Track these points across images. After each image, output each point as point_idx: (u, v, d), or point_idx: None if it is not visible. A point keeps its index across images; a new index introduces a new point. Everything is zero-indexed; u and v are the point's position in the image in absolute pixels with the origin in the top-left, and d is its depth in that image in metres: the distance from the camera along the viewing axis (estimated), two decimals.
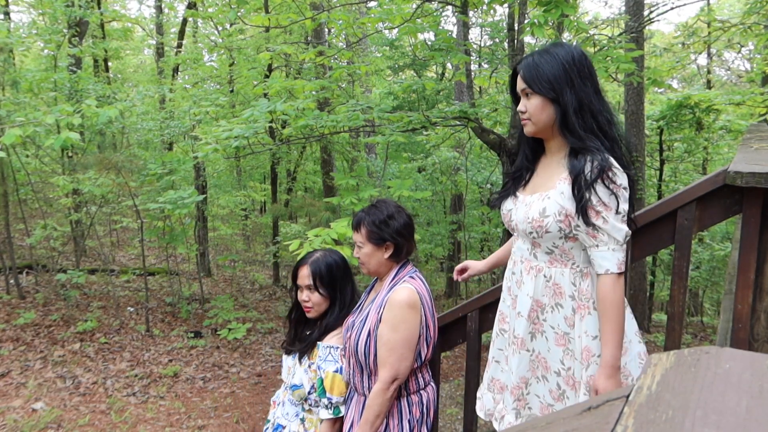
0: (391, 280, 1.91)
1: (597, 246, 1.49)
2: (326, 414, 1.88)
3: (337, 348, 1.92)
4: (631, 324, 1.63)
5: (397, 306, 1.80)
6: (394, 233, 1.88)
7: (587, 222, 1.47)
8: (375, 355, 1.82)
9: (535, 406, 1.71)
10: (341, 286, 2.01)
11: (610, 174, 1.44)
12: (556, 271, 1.59)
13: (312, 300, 1.98)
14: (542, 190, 1.60)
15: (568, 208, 1.51)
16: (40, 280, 7.12)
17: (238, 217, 11.64)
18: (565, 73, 1.52)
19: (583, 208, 1.47)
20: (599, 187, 1.44)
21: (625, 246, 1.50)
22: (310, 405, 1.94)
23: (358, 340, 1.84)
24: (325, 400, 1.88)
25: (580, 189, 1.46)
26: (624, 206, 1.47)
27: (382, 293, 1.89)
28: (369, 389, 1.86)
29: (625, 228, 1.47)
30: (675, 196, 1.72)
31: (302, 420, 1.96)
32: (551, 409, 1.67)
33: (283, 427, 1.97)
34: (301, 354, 1.96)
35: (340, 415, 1.89)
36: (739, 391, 0.52)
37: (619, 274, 1.48)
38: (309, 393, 1.92)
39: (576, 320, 1.58)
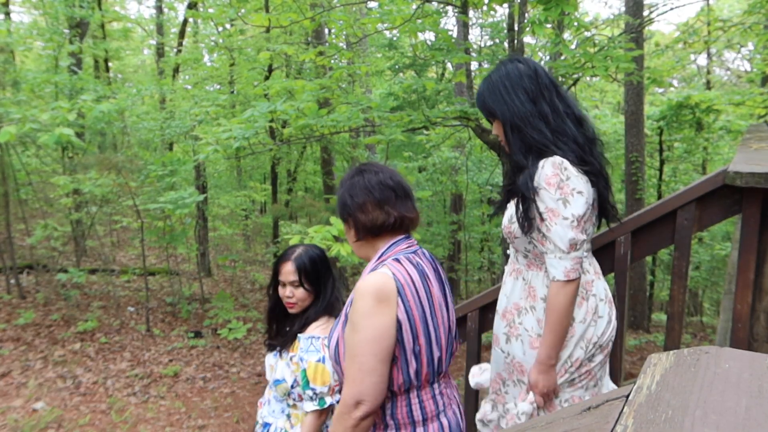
0: (371, 265, 1.41)
1: (546, 253, 1.50)
2: (311, 406, 1.79)
3: (319, 338, 1.84)
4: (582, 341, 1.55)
5: (359, 297, 1.30)
6: (349, 207, 1.42)
7: (532, 229, 1.50)
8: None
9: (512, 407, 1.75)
10: (324, 279, 1.95)
11: (554, 180, 1.45)
12: (532, 274, 1.63)
13: (296, 296, 1.92)
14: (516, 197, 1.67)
15: None
16: (40, 280, 7.12)
17: (239, 217, 11.63)
18: (498, 94, 1.55)
19: (522, 218, 1.51)
20: (543, 194, 1.46)
21: (575, 254, 1.46)
22: (294, 400, 1.90)
23: (336, 349, 1.41)
24: (309, 392, 1.80)
25: (521, 201, 1.51)
26: (574, 211, 1.44)
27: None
28: None
29: (571, 234, 1.44)
30: (675, 196, 1.73)
31: (288, 416, 1.93)
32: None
33: (270, 425, 1.95)
34: (281, 348, 1.93)
35: (326, 406, 1.80)
36: (739, 390, 0.52)
37: (566, 281, 1.46)
38: (292, 387, 1.87)
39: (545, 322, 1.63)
